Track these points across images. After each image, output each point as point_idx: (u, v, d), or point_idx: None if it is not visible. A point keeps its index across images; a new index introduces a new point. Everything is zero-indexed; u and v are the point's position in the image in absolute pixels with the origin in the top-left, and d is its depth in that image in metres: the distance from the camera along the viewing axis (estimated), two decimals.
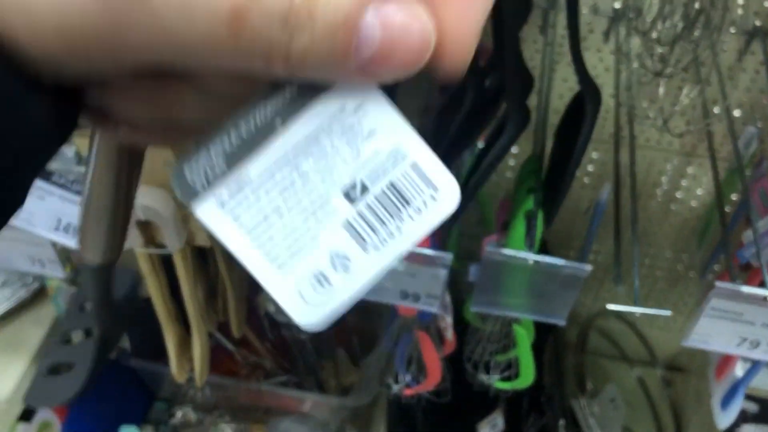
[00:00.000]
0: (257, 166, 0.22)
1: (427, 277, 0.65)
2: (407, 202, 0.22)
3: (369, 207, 0.22)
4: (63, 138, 0.21)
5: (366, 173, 0.22)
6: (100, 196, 0.33)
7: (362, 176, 0.22)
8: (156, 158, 0.65)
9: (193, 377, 0.94)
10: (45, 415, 1.07)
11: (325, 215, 0.22)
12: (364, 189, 0.22)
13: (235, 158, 0.22)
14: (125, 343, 0.94)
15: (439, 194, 0.22)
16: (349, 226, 0.22)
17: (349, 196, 0.22)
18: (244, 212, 0.22)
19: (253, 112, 0.22)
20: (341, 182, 0.22)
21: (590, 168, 1.06)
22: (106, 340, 0.78)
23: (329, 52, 0.19)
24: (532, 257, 0.61)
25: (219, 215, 0.22)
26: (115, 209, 0.33)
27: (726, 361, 0.83)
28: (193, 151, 0.22)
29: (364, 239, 0.22)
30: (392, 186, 0.22)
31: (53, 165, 0.61)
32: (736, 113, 0.92)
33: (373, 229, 0.22)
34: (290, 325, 1.09)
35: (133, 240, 0.75)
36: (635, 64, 0.68)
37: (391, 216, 0.22)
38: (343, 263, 0.22)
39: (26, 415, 1.07)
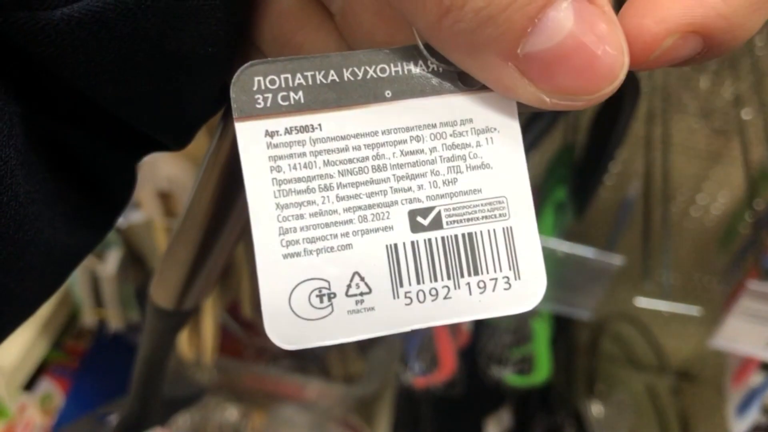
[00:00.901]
0: (336, 121, 0.18)
1: None
2: (475, 270, 0.18)
3: (429, 246, 0.18)
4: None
5: (449, 206, 0.18)
6: (186, 240, 0.27)
7: (443, 206, 0.18)
8: None
9: (199, 357, 0.93)
10: (47, 386, 1.06)
11: (374, 224, 0.18)
12: (436, 223, 0.18)
13: (317, 98, 0.18)
14: (135, 318, 0.93)
15: (518, 284, 0.18)
16: (393, 254, 0.18)
17: (414, 219, 0.18)
18: (288, 163, 0.17)
19: (372, 60, 0.17)
20: (415, 198, 0.18)
21: (618, 168, 1.05)
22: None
23: (497, 25, 0.15)
24: (562, 247, 0.59)
25: (258, 147, 0.17)
26: (200, 258, 0.27)
27: (745, 367, 0.81)
28: (279, 60, 0.18)
29: (401, 280, 0.17)
30: (469, 239, 0.18)
31: None
32: None
33: (418, 274, 0.18)
34: None
35: (153, 210, 0.74)
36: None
37: (448, 274, 0.18)
38: (360, 293, 0.17)
39: (29, 387, 1.06)
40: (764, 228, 0.79)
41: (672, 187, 1.04)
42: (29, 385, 1.06)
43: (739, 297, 0.60)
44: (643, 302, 0.63)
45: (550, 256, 0.61)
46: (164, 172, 0.68)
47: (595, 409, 1.09)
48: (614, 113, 0.60)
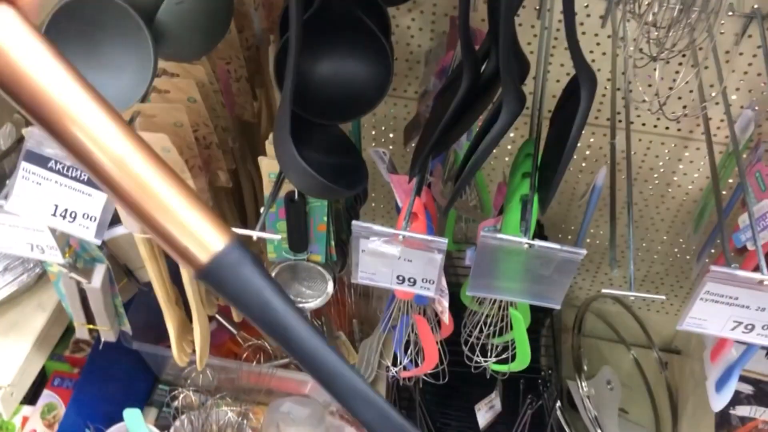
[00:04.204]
0: None
1: (423, 261, 0.66)
2: None
3: None
4: None
5: None
6: None
7: None
8: (155, 146, 0.66)
9: (194, 360, 0.95)
10: (49, 397, 1.09)
11: None
12: None
13: None
14: (126, 327, 0.95)
15: None
16: None
17: None
18: None
19: None
20: None
21: (587, 153, 1.06)
22: None
23: None
24: (527, 241, 0.61)
25: None
26: None
27: (721, 343, 0.83)
28: None
29: None
30: None
31: (49, 151, 0.61)
32: (733, 97, 0.92)
33: None
34: None
35: (132, 225, 0.76)
36: (631, 48, 0.68)
37: None
38: None
39: (31, 399, 1.09)
40: (730, 212, 0.81)
41: (647, 169, 1.06)
42: (33, 397, 1.09)
43: (705, 281, 0.62)
44: (609, 292, 0.64)
45: (516, 249, 0.63)
46: None
47: (585, 388, 1.11)
48: (573, 106, 0.61)
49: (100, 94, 0.29)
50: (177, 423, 1.12)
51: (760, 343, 0.66)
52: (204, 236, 0.30)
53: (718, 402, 0.83)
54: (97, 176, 0.29)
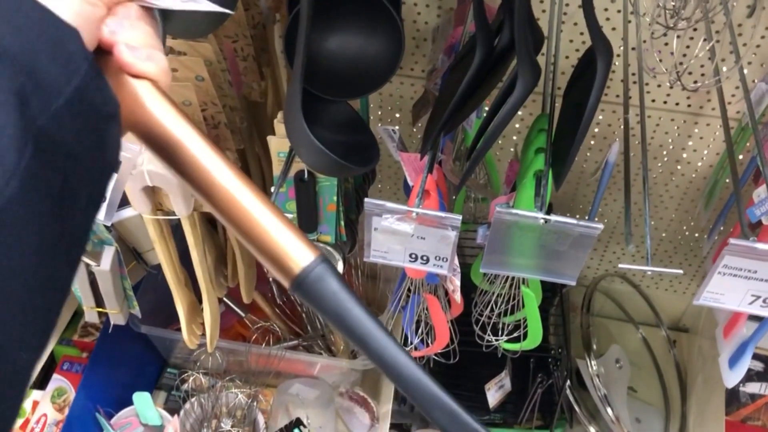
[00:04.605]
0: None
1: (436, 238, 0.65)
2: None
3: None
4: None
5: None
6: None
7: None
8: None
9: (204, 343, 0.95)
10: (59, 382, 1.09)
11: None
12: None
13: None
14: (135, 310, 0.95)
15: None
16: None
17: None
18: None
19: None
20: None
21: (596, 130, 1.05)
22: None
23: None
24: (543, 216, 0.60)
25: None
26: None
27: (734, 320, 0.83)
28: None
29: None
30: None
31: None
32: (746, 71, 0.90)
33: None
34: None
35: (141, 206, 0.75)
36: (647, 18, 0.67)
37: None
38: None
39: (40, 383, 1.09)
40: (743, 186, 0.80)
41: (655, 147, 1.05)
42: (42, 382, 1.09)
43: (723, 254, 0.61)
44: (625, 266, 0.64)
45: (531, 225, 0.62)
46: (146, 168, 0.69)
47: (594, 367, 1.11)
48: (587, 79, 0.60)
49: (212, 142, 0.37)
50: (186, 406, 1.12)
51: None
52: (295, 252, 0.36)
53: (732, 378, 0.82)
54: (215, 208, 0.36)
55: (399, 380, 0.35)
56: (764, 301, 0.63)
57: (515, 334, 0.88)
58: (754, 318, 0.80)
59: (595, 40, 0.59)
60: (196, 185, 0.36)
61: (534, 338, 0.85)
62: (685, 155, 1.05)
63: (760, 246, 0.58)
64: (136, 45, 0.34)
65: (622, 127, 1.01)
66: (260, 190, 0.37)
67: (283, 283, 0.36)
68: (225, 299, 1.18)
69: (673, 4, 0.63)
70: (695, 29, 0.84)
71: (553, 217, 0.60)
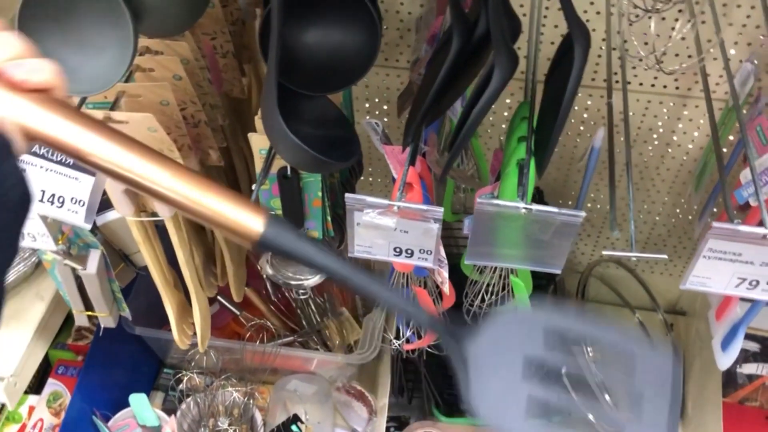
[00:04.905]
0: None
1: (419, 231, 0.64)
2: None
3: None
4: None
5: None
6: None
7: None
8: (141, 126, 0.64)
9: (196, 343, 0.95)
10: (54, 386, 1.09)
11: None
12: None
13: None
14: (125, 312, 0.95)
15: None
16: None
17: None
18: None
19: None
20: None
21: (584, 115, 1.04)
22: None
23: None
24: (523, 206, 0.60)
25: None
26: None
27: (726, 302, 0.82)
28: None
29: None
30: None
31: None
32: (732, 51, 0.90)
33: None
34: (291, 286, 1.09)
35: (124, 208, 0.75)
36: (625, 2, 0.66)
37: None
38: None
39: (36, 388, 1.09)
40: (731, 168, 0.79)
41: (646, 129, 1.04)
42: (38, 386, 1.09)
43: (707, 238, 0.61)
44: (610, 253, 0.63)
45: (514, 215, 0.61)
46: None
47: (590, 353, 1.11)
48: (567, 66, 0.60)
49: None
50: (183, 406, 1.12)
51: (765, 298, 0.65)
52: (246, 221, 0.40)
53: (725, 360, 0.82)
54: (155, 199, 0.39)
55: (347, 282, 0.46)
56: (750, 283, 0.62)
57: None
58: (746, 299, 0.80)
59: (571, 26, 0.58)
60: (129, 185, 0.38)
61: None
62: (675, 138, 1.04)
63: (744, 228, 0.57)
64: (17, 60, 0.32)
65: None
66: (188, 170, 0.39)
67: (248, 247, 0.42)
68: (219, 298, 1.17)
69: None
70: (680, 10, 0.83)
71: (534, 206, 0.60)
